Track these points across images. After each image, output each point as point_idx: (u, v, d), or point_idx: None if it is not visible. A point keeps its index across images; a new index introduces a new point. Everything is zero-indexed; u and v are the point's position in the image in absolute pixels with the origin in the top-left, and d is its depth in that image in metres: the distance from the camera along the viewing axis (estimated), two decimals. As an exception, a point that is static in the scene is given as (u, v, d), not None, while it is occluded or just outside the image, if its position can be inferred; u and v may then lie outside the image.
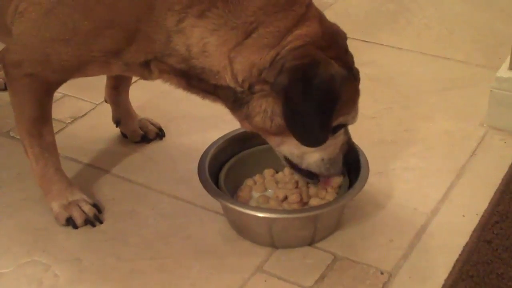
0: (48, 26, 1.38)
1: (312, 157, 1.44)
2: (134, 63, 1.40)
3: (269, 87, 1.32)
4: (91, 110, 1.99)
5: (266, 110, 1.35)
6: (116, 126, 1.85)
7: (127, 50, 1.38)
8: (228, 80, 1.35)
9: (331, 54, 1.34)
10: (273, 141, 1.43)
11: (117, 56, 1.39)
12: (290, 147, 1.42)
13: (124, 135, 1.85)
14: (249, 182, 1.60)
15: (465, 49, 2.24)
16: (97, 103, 2.00)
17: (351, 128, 1.82)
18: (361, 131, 1.82)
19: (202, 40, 1.33)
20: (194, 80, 1.40)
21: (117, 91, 1.81)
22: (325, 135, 1.36)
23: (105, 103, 1.87)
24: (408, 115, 1.92)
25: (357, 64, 2.14)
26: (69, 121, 1.94)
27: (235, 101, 1.38)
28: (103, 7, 1.35)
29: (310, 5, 1.37)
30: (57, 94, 2.03)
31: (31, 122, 1.52)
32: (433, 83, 2.07)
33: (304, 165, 1.45)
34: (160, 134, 1.85)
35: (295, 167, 1.47)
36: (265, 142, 1.64)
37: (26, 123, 1.52)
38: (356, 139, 1.62)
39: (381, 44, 2.30)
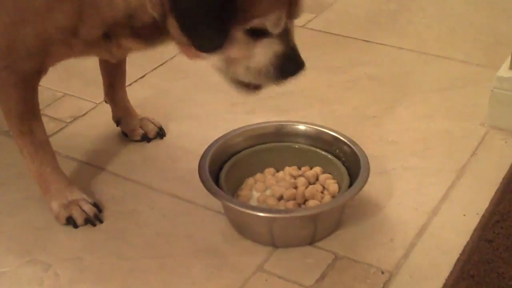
0: (4, 10, 1.38)
1: (240, 68, 1.34)
2: (94, 39, 1.39)
3: None
4: (91, 109, 1.99)
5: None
6: (117, 125, 1.85)
7: (82, 26, 1.36)
8: (148, 6, 1.29)
9: None
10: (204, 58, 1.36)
11: (75, 34, 1.37)
12: (218, 60, 1.35)
13: (124, 134, 1.85)
14: (249, 181, 1.60)
15: (465, 49, 2.24)
16: (97, 102, 1.99)
17: (352, 125, 1.85)
18: (362, 131, 1.83)
19: None
20: (142, 32, 1.36)
21: (113, 89, 1.80)
22: (219, 38, 1.27)
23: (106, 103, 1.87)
24: (409, 114, 1.92)
25: (358, 64, 2.17)
26: (70, 120, 1.94)
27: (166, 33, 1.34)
28: None
29: None
30: (57, 93, 2.05)
31: (18, 118, 1.50)
32: (433, 83, 2.06)
33: (230, 77, 1.38)
34: (160, 133, 1.85)
35: (230, 79, 1.41)
36: (266, 141, 1.65)
37: (14, 120, 1.51)
38: (356, 139, 1.63)
39: (382, 44, 2.30)
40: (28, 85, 1.48)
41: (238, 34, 1.29)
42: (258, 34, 1.31)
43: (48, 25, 1.37)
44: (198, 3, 1.23)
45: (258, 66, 1.34)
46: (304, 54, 2.21)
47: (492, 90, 1.83)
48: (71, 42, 1.40)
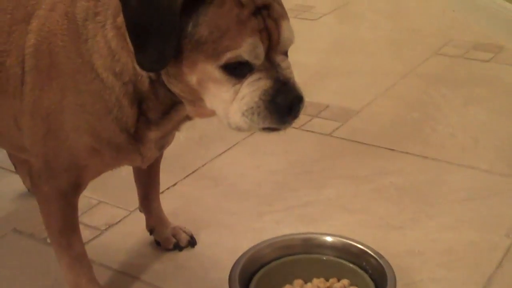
0: (36, 127, 1.46)
1: (235, 115, 1.28)
2: (116, 139, 1.43)
3: None
4: (125, 216, 2.06)
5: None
6: (150, 234, 1.91)
7: (101, 128, 1.41)
8: (139, 70, 1.34)
9: None
10: (208, 112, 1.36)
11: (98, 139, 1.43)
12: (217, 108, 1.32)
13: (157, 243, 1.90)
14: (278, 292, 1.64)
15: (489, 158, 2.29)
16: (131, 210, 2.06)
17: (378, 236, 1.88)
18: (388, 241, 1.87)
19: (107, 44, 1.35)
20: (151, 112, 1.41)
21: (148, 200, 1.87)
22: (161, 59, 1.25)
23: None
24: (435, 225, 1.96)
25: (383, 173, 2.23)
26: (104, 228, 2.00)
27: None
28: (56, 87, 1.41)
29: None
30: (92, 201, 2.13)
31: (58, 232, 1.57)
32: (458, 193, 2.10)
33: (233, 125, 1.31)
34: (191, 242, 1.90)
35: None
36: (294, 253, 1.69)
37: (54, 233, 1.58)
38: (383, 249, 1.66)
39: (407, 153, 2.36)
40: (67, 200, 1.54)
41: (218, 73, 1.25)
42: (240, 71, 1.25)
43: (70, 133, 1.43)
44: (149, 14, 1.23)
45: (248, 107, 1.27)
46: (330, 163, 2.29)
47: (515, 202, 1.87)
48: (98, 149, 1.45)
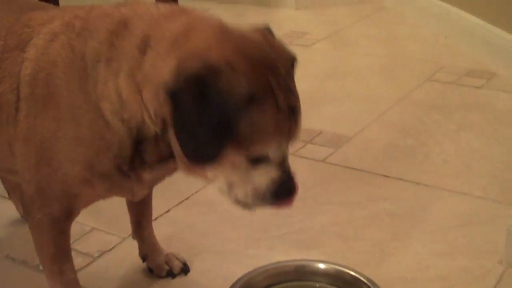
0: (29, 154, 1.45)
1: (240, 191, 1.36)
2: (110, 174, 1.42)
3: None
4: (118, 243, 2.05)
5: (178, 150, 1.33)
6: (143, 261, 1.90)
7: (94, 160, 1.41)
8: (149, 122, 1.34)
9: (245, 70, 1.25)
10: (207, 177, 1.37)
11: (90, 171, 1.42)
12: (220, 181, 1.36)
13: (150, 270, 1.90)
14: (272, 319, 1.64)
15: (482, 184, 2.30)
16: (124, 236, 2.06)
17: (371, 262, 1.88)
18: (381, 268, 1.87)
19: (118, 91, 1.34)
20: (147, 156, 1.41)
21: (141, 226, 1.87)
22: (214, 152, 1.27)
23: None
24: (428, 251, 1.96)
25: (376, 199, 2.23)
26: (97, 255, 2.00)
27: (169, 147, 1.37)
28: (52, 116, 1.41)
29: (192, 11, 1.36)
30: (85, 227, 2.13)
31: (50, 259, 1.56)
32: (451, 219, 2.11)
33: (234, 200, 1.39)
34: (185, 269, 1.89)
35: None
36: (287, 280, 1.69)
37: (46, 260, 1.57)
38: (376, 276, 1.66)
39: (400, 179, 2.36)
40: (59, 227, 1.53)
41: (239, 159, 1.30)
42: (258, 160, 1.32)
43: (62, 163, 1.43)
44: (204, 116, 1.23)
45: (255, 191, 1.35)
46: (324, 189, 2.30)
47: (508, 228, 1.87)
48: (91, 181, 1.45)
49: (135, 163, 1.43)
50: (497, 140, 2.61)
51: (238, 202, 1.39)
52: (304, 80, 3.26)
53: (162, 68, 1.28)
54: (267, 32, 1.38)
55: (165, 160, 1.42)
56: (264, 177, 1.34)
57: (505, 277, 1.83)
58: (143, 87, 1.31)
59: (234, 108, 1.22)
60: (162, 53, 1.29)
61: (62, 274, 1.58)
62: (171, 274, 1.88)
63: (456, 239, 2.01)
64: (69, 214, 1.53)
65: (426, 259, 1.92)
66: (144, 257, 1.89)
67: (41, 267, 1.82)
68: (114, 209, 2.09)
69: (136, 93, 1.32)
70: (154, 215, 1.92)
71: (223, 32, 1.31)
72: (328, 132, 2.73)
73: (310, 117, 2.85)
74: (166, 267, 1.88)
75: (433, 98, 3.02)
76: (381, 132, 2.74)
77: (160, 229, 1.98)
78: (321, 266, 1.72)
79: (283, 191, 1.37)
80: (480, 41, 3.40)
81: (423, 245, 1.99)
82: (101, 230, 2.12)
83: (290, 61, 1.38)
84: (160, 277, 1.88)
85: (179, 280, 1.88)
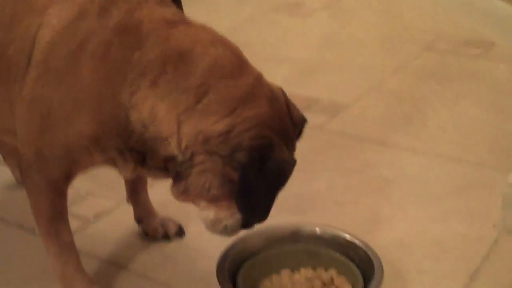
0: (32, 119, 1.47)
1: (219, 226, 1.48)
2: (112, 151, 1.45)
3: (211, 158, 1.36)
4: (113, 208, 2.05)
5: (204, 184, 1.39)
6: (138, 225, 1.90)
7: (101, 135, 1.43)
8: (173, 145, 1.38)
9: (281, 139, 1.39)
10: (200, 205, 1.46)
11: (94, 143, 1.44)
12: (209, 213, 1.46)
13: (145, 233, 1.90)
14: (266, 282, 1.64)
15: (478, 152, 2.29)
16: (120, 200, 2.05)
17: (367, 227, 1.89)
18: (376, 233, 1.87)
19: (153, 110, 1.37)
20: (148, 158, 1.45)
21: (135, 191, 1.88)
22: (267, 214, 1.43)
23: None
24: (423, 217, 1.96)
25: (373, 166, 2.23)
26: (92, 219, 2.00)
27: (176, 175, 1.43)
28: (65, 89, 1.41)
29: (259, 79, 1.43)
30: (81, 192, 2.12)
31: (47, 221, 1.57)
32: (447, 185, 2.11)
33: (210, 229, 1.50)
34: (180, 232, 1.90)
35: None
36: (283, 243, 1.69)
37: (42, 221, 1.58)
38: (371, 241, 1.67)
39: (397, 146, 2.36)
40: (57, 190, 1.54)
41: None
42: None
43: (69, 133, 1.44)
44: (264, 184, 1.37)
45: (234, 225, 1.48)
46: (320, 155, 2.30)
47: (504, 194, 1.87)
48: (91, 151, 1.46)
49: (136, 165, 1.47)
50: (494, 109, 2.60)
51: (219, 232, 1.50)
52: (302, 49, 3.28)
53: (216, 123, 1.35)
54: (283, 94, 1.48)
55: (165, 170, 1.47)
56: (236, 218, 1.46)
57: (499, 243, 1.84)
58: (186, 123, 1.36)
59: (285, 175, 1.40)
60: (219, 111, 1.36)
61: (59, 236, 1.58)
62: (166, 237, 1.88)
63: (452, 205, 2.01)
64: (68, 177, 1.54)
65: (421, 225, 1.92)
66: (139, 221, 1.90)
67: (36, 230, 1.82)
68: (109, 174, 2.07)
69: (174, 121, 1.37)
70: (150, 180, 1.92)
71: (272, 104, 1.40)
72: (325, 100, 2.72)
73: (308, 85, 2.85)
74: (161, 230, 1.88)
75: (431, 67, 3.01)
76: (378, 100, 2.73)
77: (156, 194, 1.97)
78: (317, 229, 1.72)
79: (246, 228, 1.51)
80: (480, 11, 3.38)
81: (418, 210, 1.99)
82: (97, 194, 2.12)
83: (301, 124, 1.51)
84: (155, 240, 1.88)
85: (174, 243, 1.88)
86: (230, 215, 1.45)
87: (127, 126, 1.40)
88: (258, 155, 1.35)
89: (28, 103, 1.46)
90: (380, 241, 1.79)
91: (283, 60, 3.12)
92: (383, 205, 2.03)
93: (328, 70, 3.04)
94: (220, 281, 1.55)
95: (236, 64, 1.41)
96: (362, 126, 2.52)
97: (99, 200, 2.09)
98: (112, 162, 1.50)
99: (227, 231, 1.49)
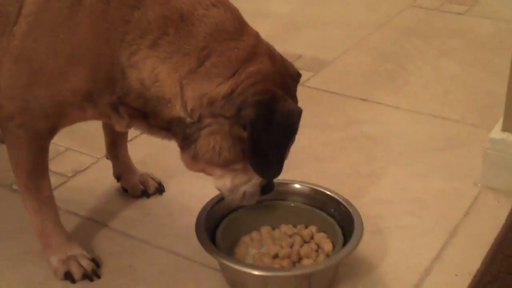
0: (20, 72, 1.43)
1: (238, 193, 1.50)
2: (104, 106, 1.43)
3: (217, 121, 1.37)
4: (92, 164, 2.03)
5: (214, 147, 1.39)
6: (117, 181, 1.88)
7: (95, 91, 1.41)
8: (178, 108, 1.38)
9: (284, 92, 1.40)
10: (214, 174, 1.48)
11: (88, 99, 1.42)
12: (225, 181, 1.48)
13: (124, 190, 1.88)
14: (245, 239, 1.63)
15: (460, 109, 2.29)
16: (98, 157, 2.04)
17: (347, 184, 1.88)
18: (357, 189, 1.87)
19: (154, 70, 1.36)
20: (151, 117, 1.43)
21: (115, 147, 1.85)
22: (280, 168, 1.43)
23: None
24: (404, 173, 1.96)
25: (354, 122, 2.22)
26: (71, 175, 1.98)
27: (184, 138, 1.43)
28: (61, 43, 1.38)
29: (258, 38, 1.42)
30: (59, 148, 2.10)
31: (27, 175, 1.54)
32: (428, 142, 2.11)
33: (229, 198, 1.52)
34: (159, 189, 1.88)
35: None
36: (262, 199, 1.68)
37: (22, 176, 1.55)
38: (351, 197, 1.66)
39: (379, 103, 2.35)
40: (40, 144, 1.52)
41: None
42: None
43: (63, 88, 1.42)
44: (274, 137, 1.37)
45: (251, 193, 1.50)
46: (302, 112, 2.27)
47: (485, 151, 1.87)
48: (84, 106, 1.44)
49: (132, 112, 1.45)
50: (477, 66, 2.59)
51: (238, 200, 1.52)
52: (284, 5, 3.23)
53: (220, 86, 1.35)
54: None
55: (158, 128, 1.47)
56: (254, 182, 1.49)
57: (479, 199, 1.84)
58: (189, 87, 1.36)
59: (293, 126, 1.41)
60: (222, 73, 1.35)
61: (39, 191, 1.56)
62: (145, 194, 1.87)
63: (433, 162, 2.00)
64: (53, 131, 1.53)
65: (402, 181, 1.92)
66: (118, 177, 1.88)
67: (14, 186, 1.81)
68: (88, 130, 2.06)
69: (176, 84, 1.36)
70: (129, 136, 1.90)
71: (272, 60, 1.40)
72: (307, 56, 2.70)
73: (290, 41, 2.81)
74: (141, 187, 1.86)
75: (414, 24, 2.99)
76: (361, 57, 2.71)
77: (136, 150, 1.95)
78: (297, 186, 1.70)
79: (267, 188, 1.53)
80: (464, -33, 3.34)
81: (399, 167, 1.99)
82: (75, 150, 2.09)
83: (297, 77, 1.52)
84: (134, 197, 1.87)
85: (154, 200, 1.87)
86: (247, 180, 1.47)
87: (124, 83, 1.38)
88: (264, 108, 1.34)
89: (16, 56, 1.42)
90: (361, 198, 1.79)
91: (266, 15, 3.08)
92: (364, 161, 2.02)
93: (311, 26, 3.01)
94: (199, 238, 1.53)
95: (237, 25, 1.39)
96: (344, 83, 2.50)
97: (78, 156, 2.07)
98: (105, 117, 1.49)
99: (246, 198, 1.50)
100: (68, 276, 1.57)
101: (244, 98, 1.35)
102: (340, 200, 1.65)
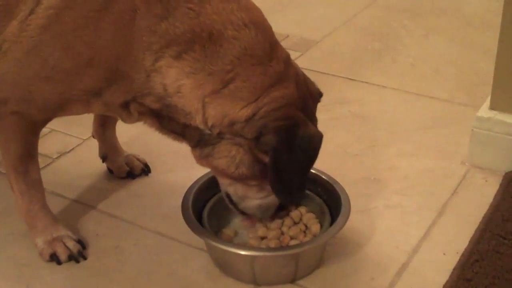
0: (30, 64, 1.39)
1: (252, 202, 1.49)
2: (114, 104, 1.42)
3: (240, 139, 1.36)
4: (78, 145, 2.01)
5: (234, 157, 1.38)
6: (103, 162, 1.87)
7: (107, 90, 1.39)
8: (198, 122, 1.37)
9: (305, 116, 1.39)
10: (224, 181, 1.47)
11: (97, 95, 1.40)
12: (237, 188, 1.47)
13: (110, 171, 1.87)
14: (234, 220, 1.62)
15: (448, 88, 2.28)
16: (84, 138, 2.02)
17: (335, 163, 1.87)
18: (344, 169, 1.86)
19: (177, 81, 1.34)
20: (165, 120, 1.42)
21: (104, 127, 1.83)
22: (302, 195, 1.46)
23: (92, 139, 1.89)
24: (391, 153, 1.95)
25: (342, 102, 2.21)
26: (56, 156, 1.96)
27: (200, 140, 1.41)
28: (83, 45, 1.35)
29: (287, 62, 1.40)
30: (44, 129, 2.03)
31: (17, 159, 1.53)
32: (416, 121, 2.10)
33: (241, 206, 1.51)
34: (145, 170, 1.87)
35: (232, 203, 1.52)
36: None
37: (12, 159, 1.54)
38: (339, 176, 1.65)
39: (366, 82, 2.34)
40: (33, 130, 1.51)
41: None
42: None
43: (74, 86, 1.40)
44: (295, 163, 1.36)
45: (269, 205, 1.50)
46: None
47: (472, 130, 1.86)
48: (90, 101, 1.43)
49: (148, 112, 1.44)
50: (465, 45, 2.58)
51: (245, 208, 1.51)
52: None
53: (243, 109, 1.34)
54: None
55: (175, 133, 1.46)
56: (271, 199, 1.48)
57: (467, 177, 1.83)
58: (211, 105, 1.34)
59: (314, 151, 1.39)
60: (246, 98, 1.34)
61: (27, 174, 1.55)
62: (131, 175, 1.85)
63: (421, 141, 2.00)
64: (48, 120, 1.53)
65: (390, 160, 1.91)
66: (104, 158, 1.86)
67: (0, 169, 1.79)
68: (73, 111, 2.04)
69: (198, 101, 1.35)
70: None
71: (297, 84, 1.39)
72: (295, 35, 2.68)
73: (277, 20, 2.75)
74: (127, 168, 1.85)
75: (402, 3, 2.97)
76: (348, 36, 2.69)
77: (123, 131, 1.93)
78: (284, 165, 1.69)
79: (283, 210, 1.55)
80: None
81: (387, 146, 1.98)
82: (60, 132, 2.07)
83: (318, 97, 1.50)
84: (120, 178, 1.85)
85: (139, 181, 1.85)
86: (263, 196, 1.47)
87: (147, 85, 1.36)
88: (286, 135, 1.33)
89: (28, 48, 1.37)
90: (348, 177, 1.78)
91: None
92: (352, 141, 2.01)
93: (297, 5, 2.99)
94: (185, 218, 1.52)
95: (267, 49, 1.36)
96: (332, 62, 2.49)
97: (63, 137, 2.05)
98: (112, 112, 1.48)
99: (262, 210, 1.50)
100: (54, 258, 1.56)
101: (266, 122, 1.33)
102: (327, 179, 1.64)
